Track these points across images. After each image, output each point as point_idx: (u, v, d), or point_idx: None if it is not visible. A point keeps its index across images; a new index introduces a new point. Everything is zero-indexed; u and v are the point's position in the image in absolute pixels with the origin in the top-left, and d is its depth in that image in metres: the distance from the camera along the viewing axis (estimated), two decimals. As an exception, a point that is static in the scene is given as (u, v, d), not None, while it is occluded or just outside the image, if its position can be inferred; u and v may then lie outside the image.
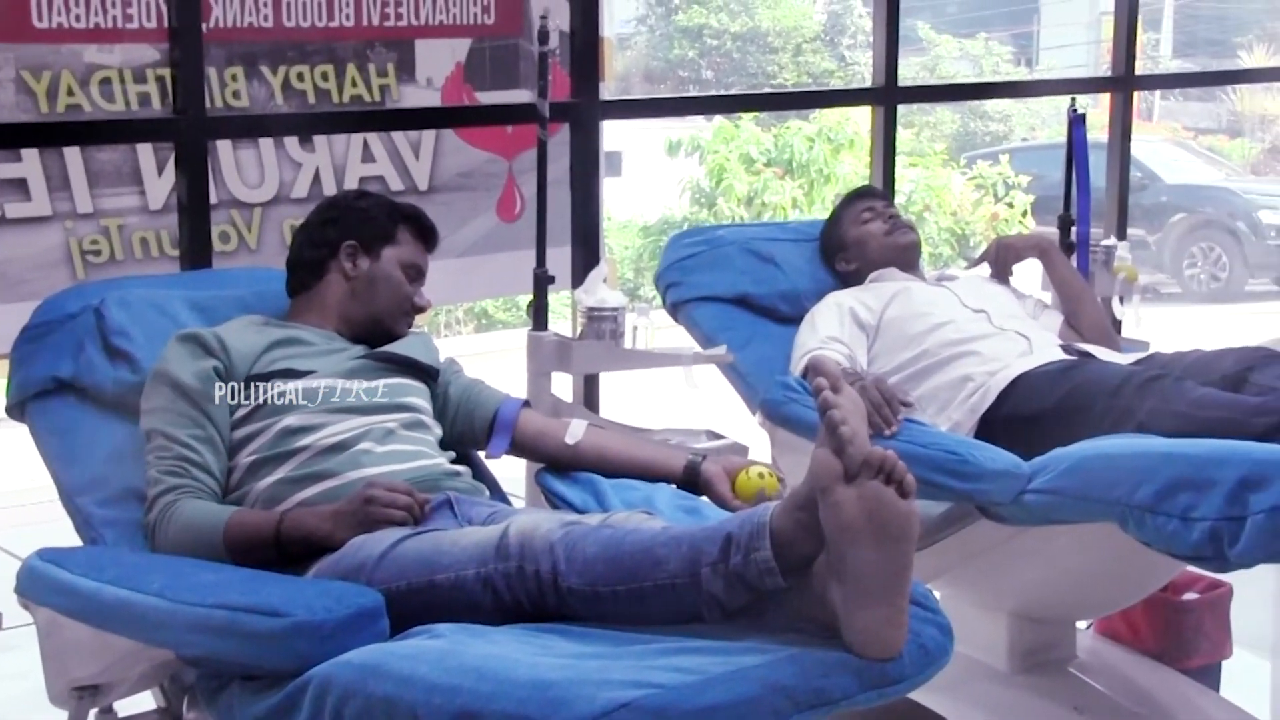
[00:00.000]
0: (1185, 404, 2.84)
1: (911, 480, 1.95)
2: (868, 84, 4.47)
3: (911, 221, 3.72)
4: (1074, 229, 3.97)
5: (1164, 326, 4.27)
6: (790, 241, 3.73)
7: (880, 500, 1.93)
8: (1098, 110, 5.29)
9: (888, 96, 4.32)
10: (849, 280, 3.60)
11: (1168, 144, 15.25)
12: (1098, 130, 5.26)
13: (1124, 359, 3.22)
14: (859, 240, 3.62)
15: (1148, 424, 2.84)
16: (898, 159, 4.47)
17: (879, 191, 3.80)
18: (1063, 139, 4.00)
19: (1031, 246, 3.72)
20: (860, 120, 11.02)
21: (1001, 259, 3.70)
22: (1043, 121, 16.67)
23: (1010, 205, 12.11)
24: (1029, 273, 3.77)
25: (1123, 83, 4.88)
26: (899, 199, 10.69)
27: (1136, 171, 11.66)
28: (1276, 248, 12.74)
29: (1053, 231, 4.05)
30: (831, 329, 3.36)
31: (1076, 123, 3.96)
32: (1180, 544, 2.49)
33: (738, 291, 3.55)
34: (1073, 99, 4.06)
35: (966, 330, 3.34)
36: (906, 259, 3.60)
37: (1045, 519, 2.73)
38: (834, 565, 1.95)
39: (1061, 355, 3.24)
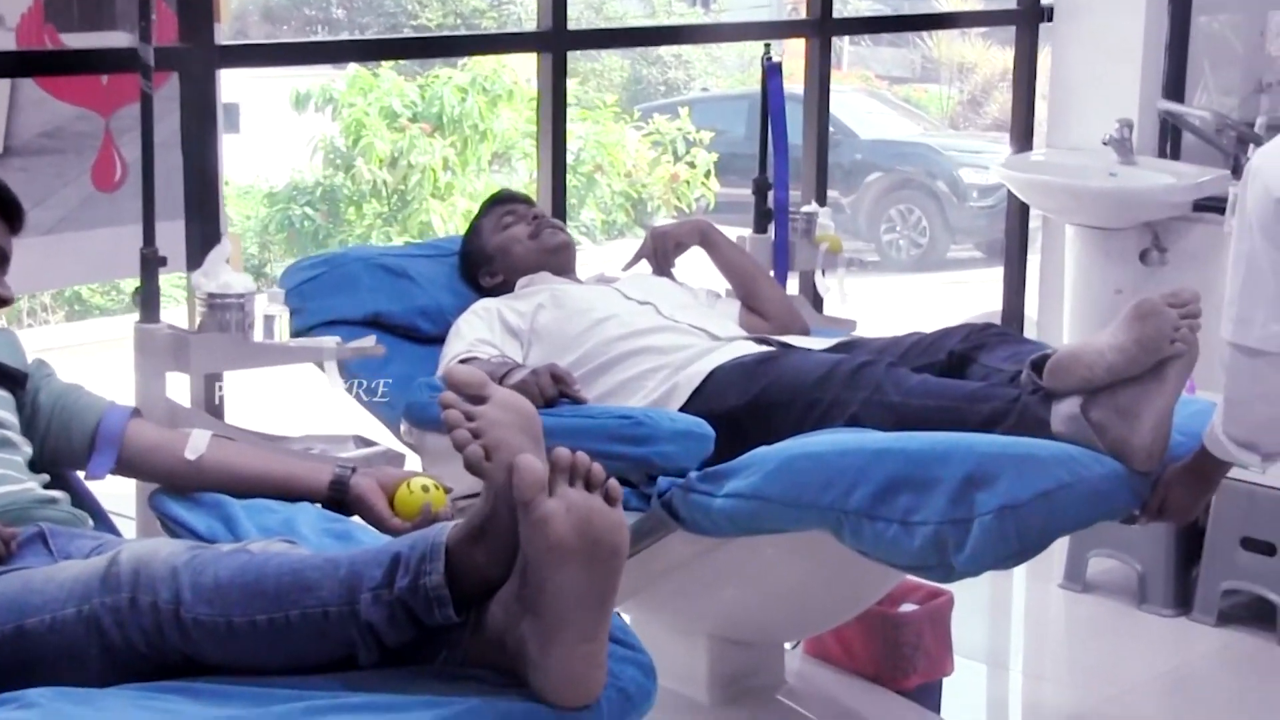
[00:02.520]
0: (899, 393, 2.89)
1: (616, 486, 1.94)
2: (526, 27, 4.44)
3: (559, 224, 3.75)
4: (771, 194, 4.03)
5: (864, 299, 4.36)
6: (426, 257, 3.77)
7: (591, 511, 1.91)
8: (787, 58, 5.37)
9: (557, 42, 4.32)
10: (497, 295, 3.59)
11: (861, 94, 15.59)
12: (789, 80, 5.35)
13: (825, 344, 3.28)
14: (502, 247, 3.64)
15: (860, 417, 2.89)
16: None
17: (519, 195, 3.84)
18: (746, 89, 4.05)
19: (690, 232, 3.79)
20: (519, 68, 11.00)
21: (661, 249, 3.76)
22: (724, 69, 16.97)
23: (692, 165, 12.26)
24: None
25: (820, 26, 4.96)
26: (567, 158, 10.69)
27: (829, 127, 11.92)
28: (980, 210, 13.12)
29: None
30: (480, 333, 3.36)
31: (772, 73, 4.01)
32: (901, 552, 2.55)
33: (368, 311, 3.53)
34: (766, 45, 4.12)
35: (633, 324, 3.36)
36: (558, 262, 3.63)
37: (748, 528, 2.75)
38: (529, 595, 1.92)
39: (755, 347, 3.27)
